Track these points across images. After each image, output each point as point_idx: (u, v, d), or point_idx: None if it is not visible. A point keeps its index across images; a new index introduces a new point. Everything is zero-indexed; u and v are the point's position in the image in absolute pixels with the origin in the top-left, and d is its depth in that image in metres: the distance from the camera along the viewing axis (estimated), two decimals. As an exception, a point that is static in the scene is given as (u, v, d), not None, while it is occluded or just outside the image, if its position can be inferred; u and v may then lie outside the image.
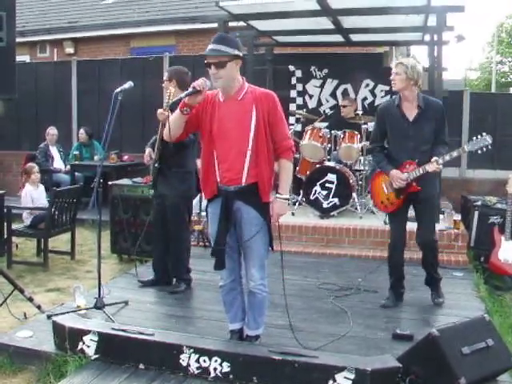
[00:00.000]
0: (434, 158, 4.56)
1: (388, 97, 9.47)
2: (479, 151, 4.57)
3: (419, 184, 4.69)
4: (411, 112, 4.72)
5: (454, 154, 4.62)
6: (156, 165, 5.22)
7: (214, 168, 3.69)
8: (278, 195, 3.74)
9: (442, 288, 5.11)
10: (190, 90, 3.54)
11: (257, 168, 3.63)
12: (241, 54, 3.65)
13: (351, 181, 7.61)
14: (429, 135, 4.70)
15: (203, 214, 7.33)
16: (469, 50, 60.08)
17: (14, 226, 6.96)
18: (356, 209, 7.72)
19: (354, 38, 9.72)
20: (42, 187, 7.47)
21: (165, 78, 5.35)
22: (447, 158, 4.60)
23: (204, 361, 3.57)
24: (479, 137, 4.58)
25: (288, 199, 3.82)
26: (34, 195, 7.17)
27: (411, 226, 4.99)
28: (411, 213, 4.97)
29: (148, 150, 5.43)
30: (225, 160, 3.65)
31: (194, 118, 3.68)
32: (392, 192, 4.84)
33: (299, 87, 10.16)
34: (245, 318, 4.02)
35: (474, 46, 58.90)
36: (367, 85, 9.78)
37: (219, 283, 3.98)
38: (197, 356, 3.58)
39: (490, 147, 4.59)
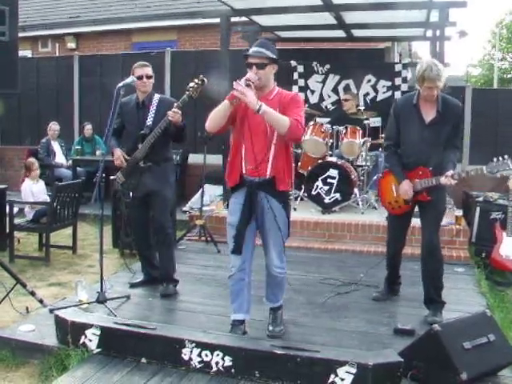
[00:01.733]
0: (451, 173, 4.30)
1: (390, 92, 9.47)
2: (498, 174, 4.32)
3: (428, 190, 4.49)
4: (428, 113, 4.46)
5: (472, 172, 4.37)
6: (142, 164, 5.01)
7: (240, 159, 3.97)
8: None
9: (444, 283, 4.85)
10: (244, 81, 3.75)
11: (279, 161, 3.94)
12: (278, 60, 3.99)
13: (353, 176, 7.61)
14: (443, 139, 4.45)
15: (204, 208, 7.35)
16: (469, 46, 60.01)
17: (16, 221, 6.96)
18: (358, 204, 7.73)
19: (356, 33, 9.71)
20: (41, 182, 7.47)
21: (150, 73, 5.06)
22: (463, 175, 4.37)
23: (206, 355, 3.57)
24: (500, 159, 4.29)
25: (259, 108, 3.69)
26: (33, 189, 7.17)
27: (413, 221, 4.96)
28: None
29: (119, 150, 5.14)
30: (251, 152, 3.92)
31: (234, 112, 3.94)
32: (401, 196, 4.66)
33: (301, 83, 10.13)
34: (249, 311, 4.16)
35: (474, 42, 58.77)
36: (369, 80, 9.75)
37: (229, 273, 4.06)
38: (199, 350, 3.59)
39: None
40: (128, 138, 5.18)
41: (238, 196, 4.04)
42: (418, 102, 4.50)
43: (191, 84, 4.72)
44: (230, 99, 3.81)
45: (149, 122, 4.98)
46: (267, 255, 4.07)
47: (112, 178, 6.93)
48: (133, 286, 5.32)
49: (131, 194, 5.23)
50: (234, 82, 3.73)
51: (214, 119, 3.91)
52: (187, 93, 4.72)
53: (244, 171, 3.97)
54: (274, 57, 3.94)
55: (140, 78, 4.98)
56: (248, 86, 3.75)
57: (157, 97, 5.13)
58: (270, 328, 4.24)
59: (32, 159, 7.74)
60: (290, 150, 4.09)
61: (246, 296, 4.11)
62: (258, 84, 3.85)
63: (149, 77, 5.05)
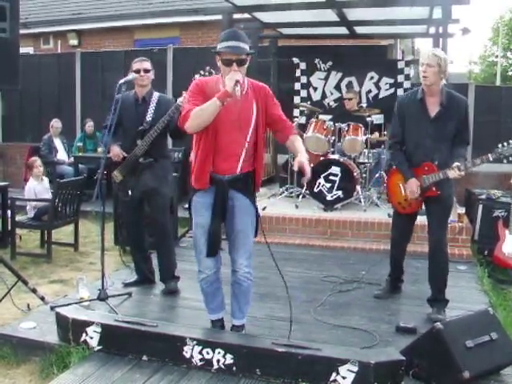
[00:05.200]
0: (456, 164, 4.25)
1: (392, 89, 9.47)
2: (505, 160, 4.26)
3: (437, 185, 4.45)
4: (433, 108, 4.41)
5: (478, 161, 4.31)
6: (141, 160, 4.95)
7: (211, 158, 3.66)
8: (301, 155, 3.59)
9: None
10: (234, 82, 3.43)
11: (252, 159, 3.74)
12: (252, 51, 3.70)
13: (355, 173, 7.59)
14: (450, 134, 4.39)
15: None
16: (470, 43, 59.92)
17: (18, 218, 6.96)
18: (360, 201, 7.71)
19: (359, 30, 9.69)
20: (46, 181, 7.46)
21: (148, 67, 4.99)
22: (469, 165, 4.30)
23: (207, 352, 3.56)
24: (505, 144, 4.25)
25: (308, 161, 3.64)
26: (37, 189, 7.16)
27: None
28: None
29: (117, 148, 5.03)
30: (222, 150, 3.65)
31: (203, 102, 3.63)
32: None
33: (303, 80, 10.13)
34: (225, 306, 4.06)
35: (474, 39, 58.66)
36: (371, 77, 9.74)
37: (200, 276, 3.91)
38: (200, 348, 3.58)
39: None
40: (126, 135, 5.07)
41: (203, 195, 3.75)
42: (423, 96, 4.46)
43: (197, 76, 4.45)
44: (223, 98, 3.46)
45: (149, 117, 4.92)
46: (234, 258, 3.84)
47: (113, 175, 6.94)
48: (126, 285, 5.26)
49: (129, 192, 5.08)
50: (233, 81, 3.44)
51: (201, 119, 3.54)
52: None
53: (212, 169, 3.67)
54: (251, 51, 3.65)
55: (137, 71, 4.95)
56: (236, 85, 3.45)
57: (156, 94, 5.09)
58: None
59: (34, 158, 7.75)
60: (264, 149, 3.86)
61: (221, 293, 4.04)
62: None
63: (146, 71, 4.99)
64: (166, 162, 5.13)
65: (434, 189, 4.47)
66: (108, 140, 5.01)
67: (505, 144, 4.26)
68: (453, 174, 4.28)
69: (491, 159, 4.31)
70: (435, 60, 4.27)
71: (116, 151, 5.02)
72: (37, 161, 7.43)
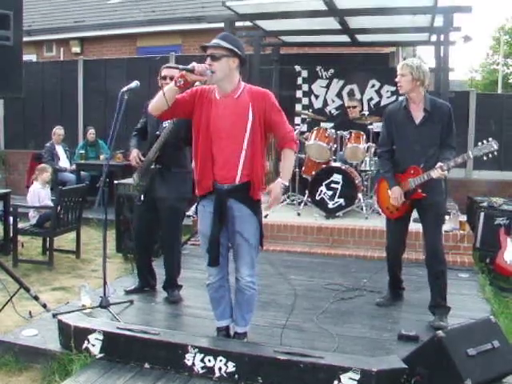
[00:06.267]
0: (439, 164, 4.37)
1: (394, 97, 9.47)
2: (484, 157, 4.34)
3: (424, 190, 4.53)
4: (418, 114, 4.57)
5: (459, 160, 4.40)
6: (153, 166, 4.96)
7: (210, 165, 3.70)
8: (279, 179, 3.73)
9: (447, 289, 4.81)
10: (188, 67, 3.57)
11: (251, 167, 3.67)
12: (239, 53, 3.64)
13: (357, 181, 7.59)
14: (435, 139, 4.52)
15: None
16: (471, 50, 60.05)
17: (20, 225, 6.97)
18: (361, 209, 7.71)
19: (361, 38, 9.73)
20: (48, 189, 7.49)
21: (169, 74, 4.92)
22: (452, 164, 4.39)
23: (209, 360, 3.56)
24: (485, 142, 4.35)
25: (286, 186, 3.83)
26: (41, 194, 7.21)
27: (417, 227, 4.96)
28: (415, 214, 4.86)
29: (135, 151, 5.09)
30: (219, 158, 3.67)
31: (186, 103, 3.71)
32: None
33: (305, 87, 10.16)
34: (232, 315, 4.06)
35: (475, 47, 58.78)
36: (373, 85, 9.77)
37: (206, 281, 3.98)
38: (202, 355, 3.57)
39: (495, 153, 4.36)
40: (148, 140, 5.11)
41: (206, 203, 3.81)
42: (407, 104, 4.62)
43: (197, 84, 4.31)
44: (176, 79, 3.58)
45: (165, 123, 4.84)
46: (236, 267, 3.87)
47: (116, 182, 6.96)
48: (128, 292, 5.24)
49: (142, 197, 5.08)
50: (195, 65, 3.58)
51: (159, 98, 3.64)
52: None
53: (214, 178, 3.70)
54: (234, 49, 3.61)
55: (164, 78, 4.93)
56: (189, 70, 3.54)
57: None
58: None
59: (46, 165, 7.89)
60: (264, 156, 3.78)
61: (227, 301, 4.05)
62: (210, 78, 3.57)
63: (172, 78, 4.98)
64: (180, 171, 4.98)
65: (419, 191, 4.56)
66: (131, 142, 5.14)
67: (484, 142, 4.37)
68: (436, 173, 4.40)
69: (471, 156, 4.46)
70: (407, 69, 4.51)
71: (133, 154, 5.08)
72: (49, 168, 7.64)
